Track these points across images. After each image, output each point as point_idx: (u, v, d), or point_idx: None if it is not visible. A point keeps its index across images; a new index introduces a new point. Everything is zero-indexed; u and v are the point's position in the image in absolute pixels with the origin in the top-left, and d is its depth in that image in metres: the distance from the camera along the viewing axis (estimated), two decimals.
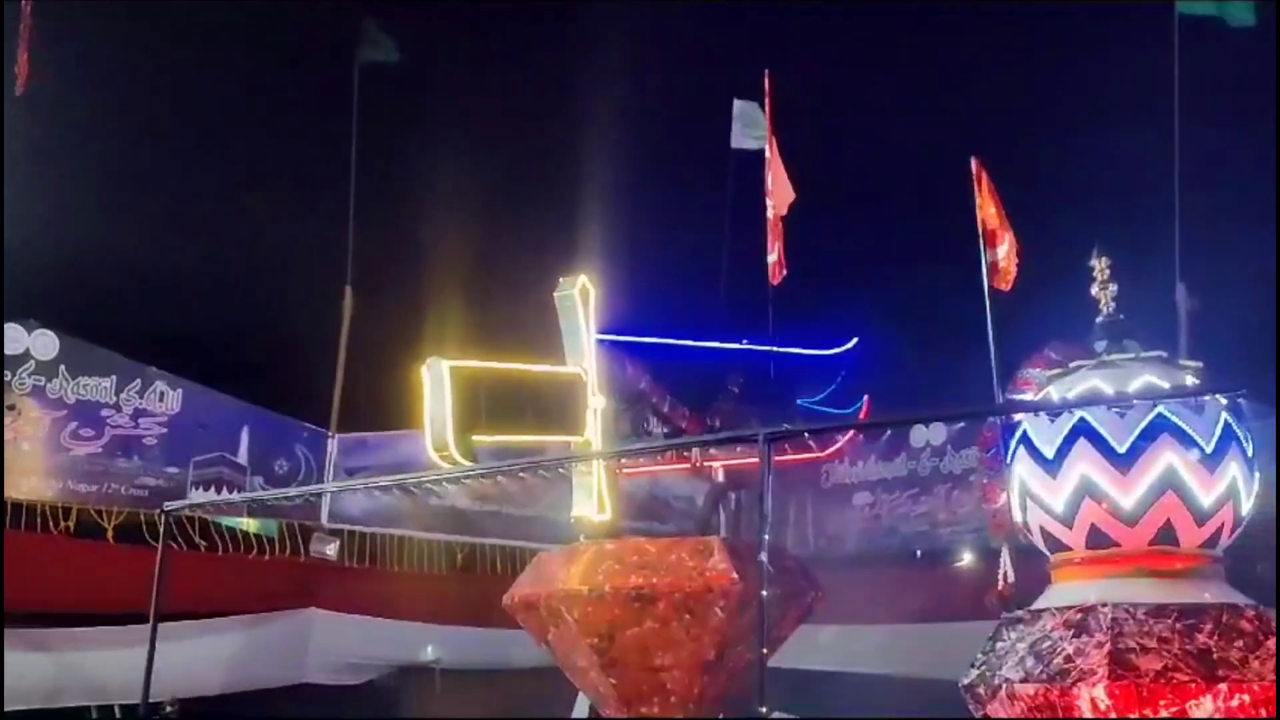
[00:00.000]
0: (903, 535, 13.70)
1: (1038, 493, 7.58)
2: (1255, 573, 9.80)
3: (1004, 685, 7.06)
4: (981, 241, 7.96)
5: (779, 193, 10.15)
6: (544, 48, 17.99)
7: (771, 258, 12.01)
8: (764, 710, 6.05)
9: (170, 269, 15.64)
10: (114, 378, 13.19)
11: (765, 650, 6.09)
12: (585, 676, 8.95)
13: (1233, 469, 7.19)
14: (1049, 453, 7.44)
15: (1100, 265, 8.00)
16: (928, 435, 13.63)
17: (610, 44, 16.24)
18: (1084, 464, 7.26)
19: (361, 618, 14.22)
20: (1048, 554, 7.77)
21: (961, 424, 11.04)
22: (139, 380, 13.32)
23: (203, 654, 13.15)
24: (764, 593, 6.06)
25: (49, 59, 12.97)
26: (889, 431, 10.28)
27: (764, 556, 5.98)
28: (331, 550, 14.02)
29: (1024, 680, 6.94)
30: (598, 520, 8.88)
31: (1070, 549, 7.48)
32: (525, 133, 17.21)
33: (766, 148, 10.51)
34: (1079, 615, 7.02)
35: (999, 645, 7.37)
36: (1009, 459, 7.89)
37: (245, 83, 16.53)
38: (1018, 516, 7.65)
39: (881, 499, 13.69)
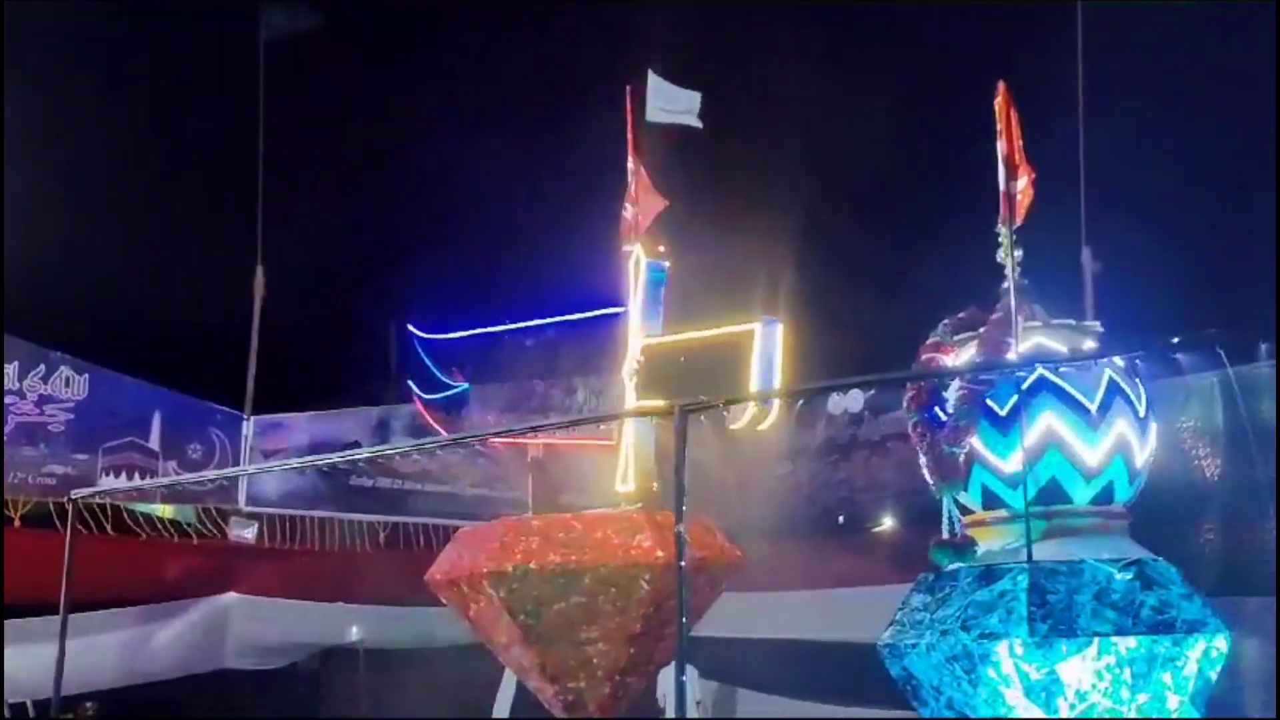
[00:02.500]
0: (823, 503, 13.86)
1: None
2: (1203, 538, 10.13)
3: (919, 642, 7.17)
4: (1002, 171, 7.91)
5: (645, 203, 10.19)
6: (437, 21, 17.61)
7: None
8: (685, 679, 6.09)
9: (76, 251, 15.23)
10: (16, 364, 12.85)
11: (685, 620, 6.11)
12: (509, 652, 8.95)
13: (1119, 426, 7.39)
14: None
15: (1006, 230, 8.07)
16: (845, 403, 13.78)
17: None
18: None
19: (282, 601, 14.08)
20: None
21: (871, 391, 11.16)
22: (43, 366, 12.99)
23: (118, 644, 12.94)
24: (682, 564, 6.08)
25: None
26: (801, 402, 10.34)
27: (681, 528, 5.99)
28: (250, 534, 13.86)
29: (941, 636, 7.04)
30: (622, 491, 8.86)
31: (972, 510, 7.64)
32: (442, 104, 16.94)
33: (630, 159, 10.57)
34: (987, 573, 7.15)
35: (914, 604, 7.47)
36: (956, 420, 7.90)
37: (150, 56, 16.11)
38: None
39: (800, 467, 13.82)
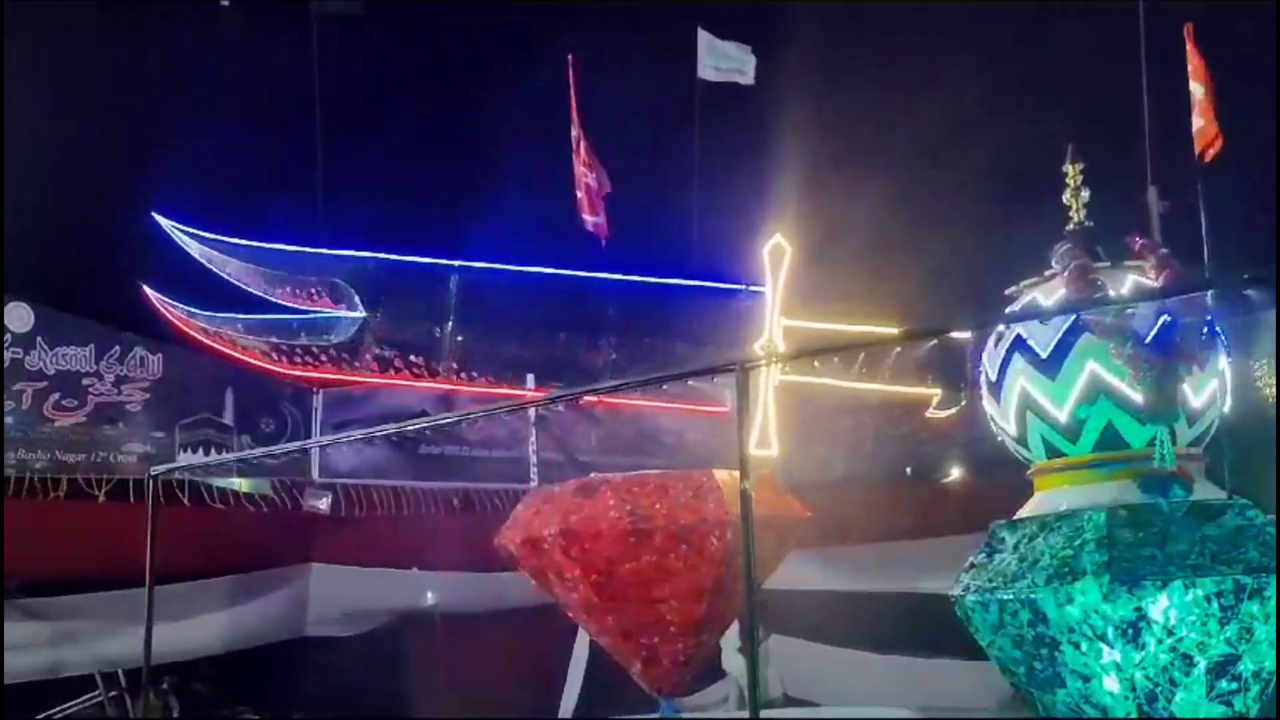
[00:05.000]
0: (889, 455, 13.82)
1: (994, 416, 7.66)
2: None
3: (993, 591, 7.12)
4: (1193, 109, 7.82)
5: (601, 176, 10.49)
6: None
7: (597, 219, 12.45)
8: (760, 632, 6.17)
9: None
10: (92, 346, 13.16)
11: (752, 577, 6.16)
12: (583, 612, 9.06)
13: (1089, 368, 7.15)
14: (993, 375, 7.51)
15: (1073, 171, 7.92)
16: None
17: None
18: (1021, 378, 7.36)
19: (359, 568, 14.33)
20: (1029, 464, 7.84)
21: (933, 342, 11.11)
22: (118, 347, 13.29)
23: (204, 615, 13.27)
24: (748, 519, 6.12)
25: None
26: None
27: (746, 485, 6.02)
28: (325, 504, 14.09)
29: (1011, 583, 6.99)
30: (762, 455, 8.99)
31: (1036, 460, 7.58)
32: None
33: (574, 129, 10.75)
34: (1058, 521, 7.08)
35: (985, 554, 7.42)
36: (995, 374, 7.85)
37: None
38: (1013, 431, 7.62)
39: (865, 421, 13.78)
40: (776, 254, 9.22)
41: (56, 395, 12.95)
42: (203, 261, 12.98)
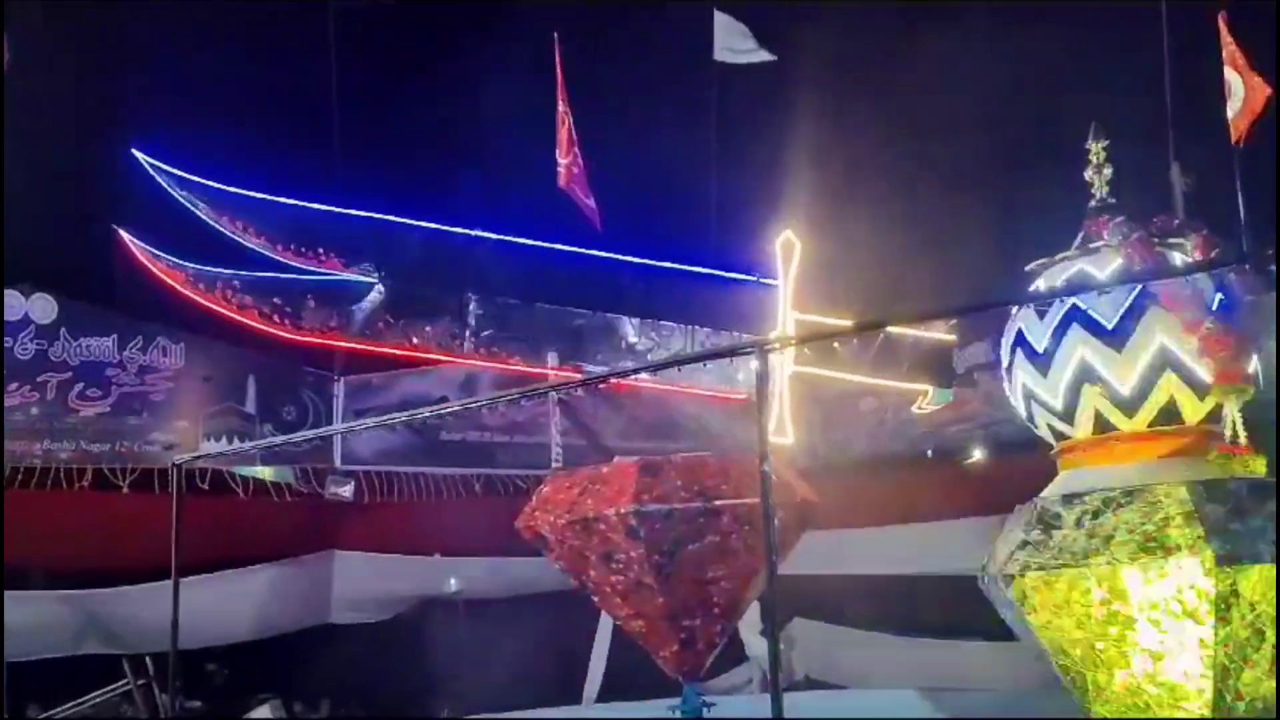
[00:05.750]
0: (909, 437, 13.78)
1: (1036, 390, 7.58)
2: None
3: (1060, 569, 7.00)
4: (1229, 93, 7.84)
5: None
6: None
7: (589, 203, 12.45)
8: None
9: None
10: (114, 336, 13.24)
11: (775, 559, 6.16)
12: (622, 595, 8.84)
13: (1158, 341, 7.11)
14: (1041, 346, 7.43)
15: (1096, 148, 7.88)
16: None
17: None
18: (1081, 349, 7.29)
19: (381, 555, 14.41)
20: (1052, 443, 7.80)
21: (954, 321, 11.04)
22: (140, 337, 13.37)
23: (229, 602, 13.37)
24: (769, 501, 6.11)
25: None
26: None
27: (767, 467, 6.02)
28: (348, 491, 14.15)
29: (1084, 559, 6.90)
30: (781, 442, 9.00)
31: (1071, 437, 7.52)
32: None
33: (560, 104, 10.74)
34: (1125, 496, 6.95)
35: (1040, 531, 7.30)
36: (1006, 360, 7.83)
37: None
38: (1059, 404, 7.56)
39: (887, 402, 13.73)
40: (787, 248, 9.21)
41: (80, 386, 13.04)
42: (204, 215, 12.06)
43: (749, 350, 6.65)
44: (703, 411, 14.26)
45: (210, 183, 12.55)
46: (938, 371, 10.04)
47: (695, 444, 12.79)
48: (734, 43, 14.39)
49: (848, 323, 8.65)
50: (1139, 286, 7.16)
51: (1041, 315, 7.48)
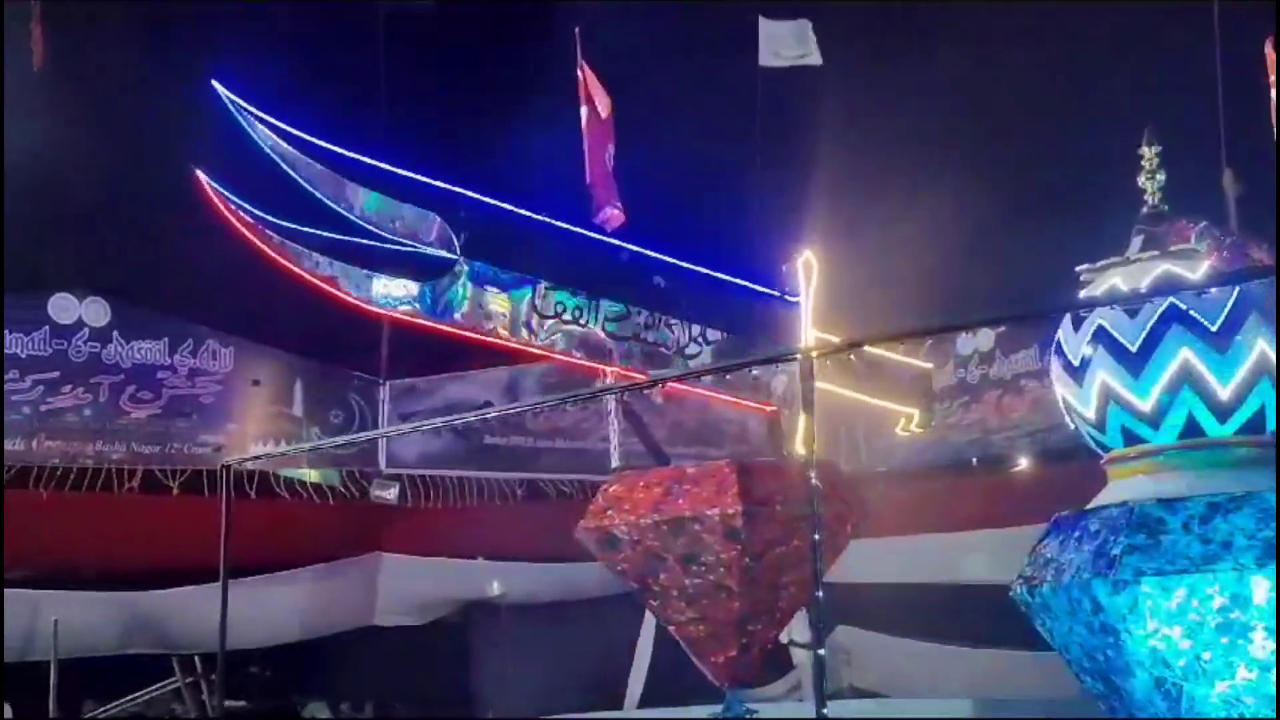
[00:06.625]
0: (953, 444, 13.68)
1: (1119, 390, 7.42)
2: None
3: (1181, 574, 6.68)
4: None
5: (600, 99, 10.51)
6: None
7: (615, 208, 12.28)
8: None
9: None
10: (166, 339, 13.43)
11: (819, 564, 6.12)
12: (689, 599, 8.58)
13: (1259, 348, 6.97)
14: (1135, 346, 7.27)
15: (1149, 153, 7.76)
16: (975, 342, 13.55)
17: None
18: (1103, 370, 7.20)
19: (426, 558, 14.50)
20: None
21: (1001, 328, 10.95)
22: (190, 340, 13.55)
23: (276, 604, 13.51)
24: (817, 510, 6.07)
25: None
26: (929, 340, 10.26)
27: (814, 475, 5.99)
28: (392, 494, 14.26)
29: (1204, 566, 6.73)
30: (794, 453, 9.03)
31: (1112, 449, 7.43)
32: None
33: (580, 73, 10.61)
34: (1232, 501, 6.72)
35: (1145, 536, 7.14)
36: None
37: None
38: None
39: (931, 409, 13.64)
40: (807, 269, 9.16)
41: (132, 388, 13.23)
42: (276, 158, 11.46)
43: (794, 357, 6.63)
44: (747, 417, 14.22)
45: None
46: (922, 397, 10.15)
47: (736, 451, 12.78)
48: (781, 48, 14.33)
49: (904, 329, 8.60)
50: (1237, 290, 6.98)
51: (1132, 315, 7.21)
